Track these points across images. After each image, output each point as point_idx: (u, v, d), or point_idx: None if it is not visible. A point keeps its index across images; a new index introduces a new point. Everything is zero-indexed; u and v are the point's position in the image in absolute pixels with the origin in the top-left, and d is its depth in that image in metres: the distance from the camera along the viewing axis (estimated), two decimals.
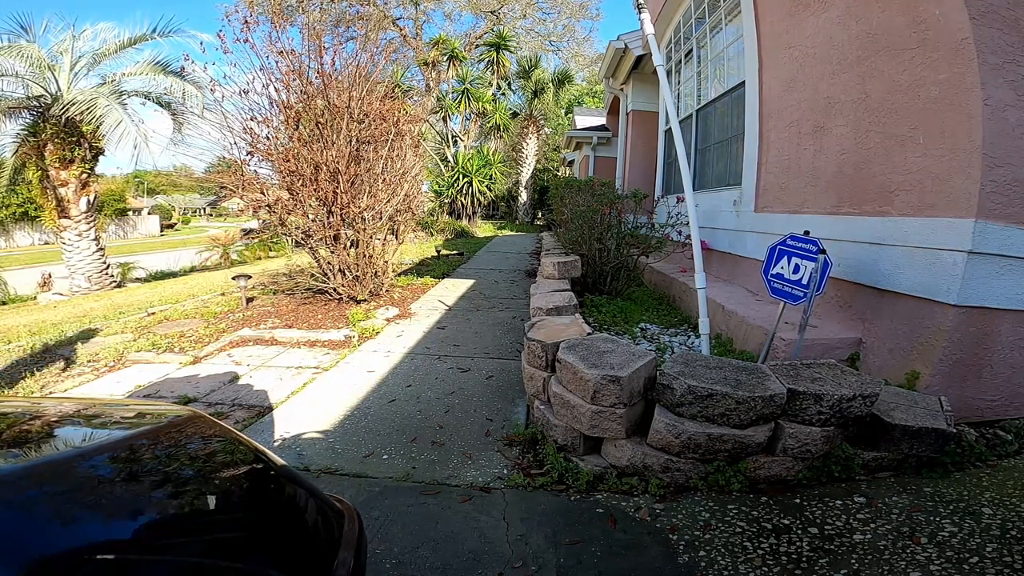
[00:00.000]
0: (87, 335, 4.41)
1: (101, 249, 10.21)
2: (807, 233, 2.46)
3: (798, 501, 1.72)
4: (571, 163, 17.31)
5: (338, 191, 4.50)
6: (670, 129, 3.50)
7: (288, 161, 4.42)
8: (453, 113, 18.14)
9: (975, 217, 1.98)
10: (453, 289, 5.82)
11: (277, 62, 4.52)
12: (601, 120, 13.30)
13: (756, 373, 1.90)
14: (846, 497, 1.73)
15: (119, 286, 10.56)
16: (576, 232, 4.95)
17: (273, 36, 4.52)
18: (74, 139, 9.32)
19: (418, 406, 2.66)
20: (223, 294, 6.12)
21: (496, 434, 2.34)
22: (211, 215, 52.18)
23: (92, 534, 0.54)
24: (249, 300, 5.18)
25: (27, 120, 9.26)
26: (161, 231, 39.29)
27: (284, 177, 4.55)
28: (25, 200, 23.44)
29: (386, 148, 4.87)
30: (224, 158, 4.82)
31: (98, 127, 8.83)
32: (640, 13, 2.96)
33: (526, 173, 18.36)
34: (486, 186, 16.37)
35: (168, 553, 0.58)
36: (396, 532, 1.62)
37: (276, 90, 4.54)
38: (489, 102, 18.06)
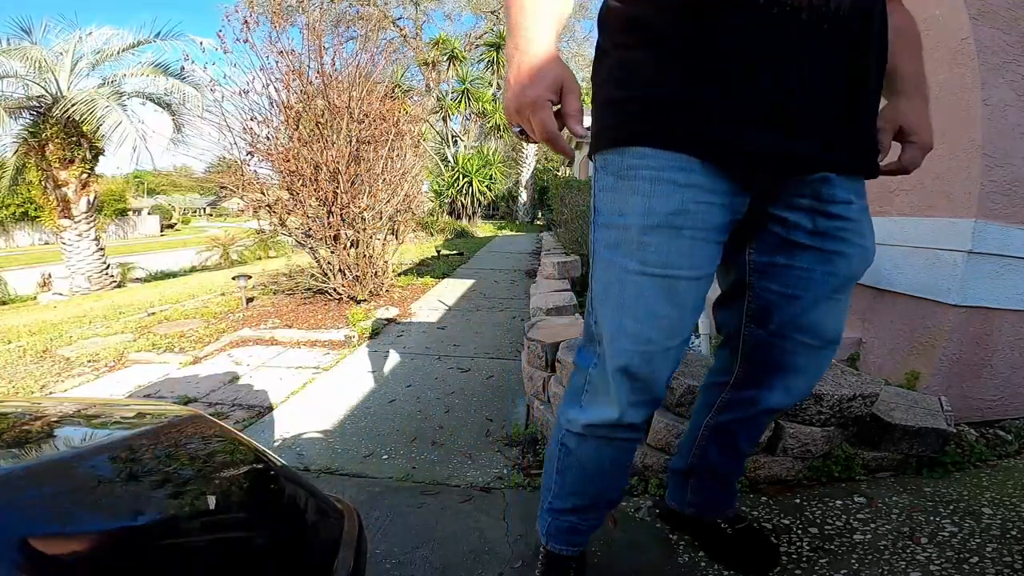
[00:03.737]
0: (87, 335, 4.41)
1: (101, 249, 10.22)
2: None
3: (798, 501, 1.72)
4: (571, 163, 17.32)
5: (338, 191, 4.50)
6: None
7: (288, 161, 4.42)
8: (453, 113, 18.14)
9: (975, 217, 1.98)
10: (453, 289, 5.82)
11: (277, 62, 4.53)
12: None
13: None
14: (846, 497, 1.73)
15: (119, 286, 10.56)
16: (576, 232, 4.96)
17: (273, 36, 4.53)
18: (74, 139, 9.33)
19: (418, 406, 2.66)
20: (223, 294, 6.12)
21: (496, 434, 2.34)
22: (211, 215, 52.17)
23: (92, 534, 0.54)
24: (249, 300, 5.18)
25: (28, 120, 9.27)
26: (161, 231, 39.31)
27: (284, 177, 4.55)
28: (25, 200, 23.43)
29: (386, 148, 4.87)
30: (224, 158, 4.83)
31: (99, 127, 8.85)
32: None
33: (526, 173, 18.36)
34: (486, 186, 16.37)
35: (168, 553, 0.58)
36: (396, 532, 1.62)
37: (276, 90, 4.54)
38: (489, 102, 18.06)
